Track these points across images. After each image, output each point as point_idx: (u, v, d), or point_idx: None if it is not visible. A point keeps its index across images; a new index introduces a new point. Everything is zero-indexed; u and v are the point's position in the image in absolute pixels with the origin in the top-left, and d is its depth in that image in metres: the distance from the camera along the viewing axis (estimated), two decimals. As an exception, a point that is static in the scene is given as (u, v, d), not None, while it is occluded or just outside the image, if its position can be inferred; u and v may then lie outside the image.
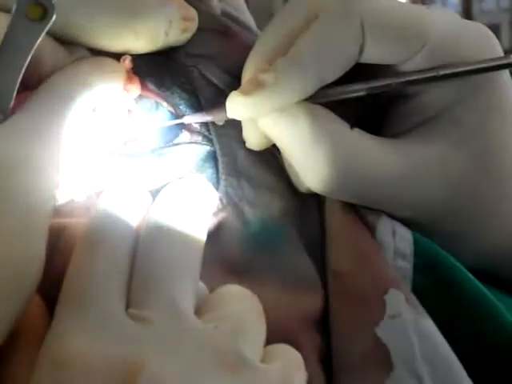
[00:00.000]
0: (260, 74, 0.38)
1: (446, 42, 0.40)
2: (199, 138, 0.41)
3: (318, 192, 0.40)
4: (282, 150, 0.40)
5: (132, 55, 0.40)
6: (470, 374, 0.36)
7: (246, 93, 0.38)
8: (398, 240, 0.40)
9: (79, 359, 0.30)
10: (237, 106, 0.39)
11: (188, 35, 0.41)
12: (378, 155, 0.39)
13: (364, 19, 0.38)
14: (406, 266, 0.40)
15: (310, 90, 0.38)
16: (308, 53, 0.38)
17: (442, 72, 0.40)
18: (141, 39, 0.39)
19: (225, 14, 0.45)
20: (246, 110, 0.38)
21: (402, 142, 0.41)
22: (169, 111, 0.41)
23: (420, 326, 0.37)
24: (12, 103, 0.35)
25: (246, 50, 0.41)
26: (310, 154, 0.39)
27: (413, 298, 0.38)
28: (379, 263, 0.39)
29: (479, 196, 0.41)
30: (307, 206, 0.42)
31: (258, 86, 0.38)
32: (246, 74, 0.40)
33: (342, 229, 0.40)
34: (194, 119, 0.41)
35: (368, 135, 0.40)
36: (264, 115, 0.39)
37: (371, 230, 0.40)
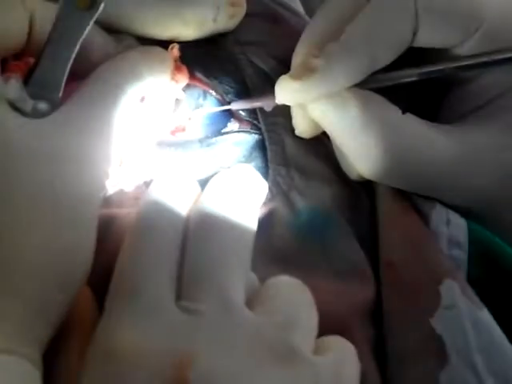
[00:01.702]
0: (311, 59, 0.38)
1: (502, 25, 0.39)
2: (248, 127, 0.41)
3: (370, 178, 0.39)
4: (332, 137, 0.40)
5: (180, 44, 0.40)
6: None
7: (296, 77, 0.37)
8: (452, 228, 0.39)
9: (130, 352, 0.30)
10: (286, 91, 0.38)
11: (236, 21, 0.41)
12: (430, 140, 0.38)
13: (417, 2, 0.37)
14: (461, 255, 0.39)
15: (362, 75, 0.38)
16: (360, 38, 0.37)
17: (495, 57, 0.38)
18: (189, 26, 0.39)
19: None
20: (295, 95, 0.38)
21: (455, 127, 0.40)
22: (217, 100, 0.41)
23: (475, 317, 0.36)
24: (61, 93, 0.35)
25: (295, 35, 0.40)
26: (361, 140, 0.38)
27: (468, 288, 0.37)
28: (433, 253, 0.38)
29: None
30: (358, 194, 0.42)
31: (308, 70, 0.37)
32: (296, 59, 0.39)
33: (395, 217, 0.39)
34: (242, 105, 0.40)
35: (420, 120, 0.39)
36: (314, 101, 0.38)
37: (425, 218, 0.39)
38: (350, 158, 0.39)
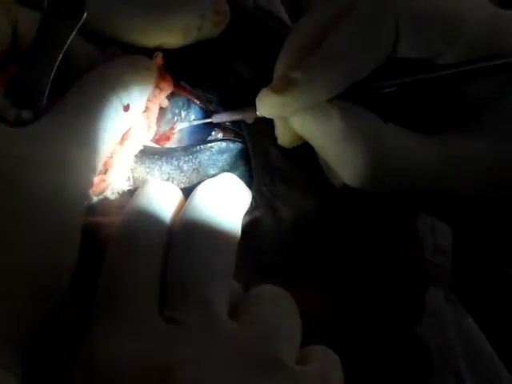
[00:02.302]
0: (291, 71, 0.38)
1: (483, 34, 0.39)
2: (231, 136, 0.41)
3: (354, 186, 0.39)
4: (315, 148, 0.40)
5: (164, 52, 0.40)
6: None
7: (277, 90, 0.37)
8: (437, 236, 0.39)
9: (113, 361, 0.30)
10: (267, 104, 0.38)
11: (221, 29, 0.41)
12: (413, 149, 0.38)
13: (398, 12, 0.37)
14: (446, 261, 0.39)
15: (342, 86, 0.38)
16: (340, 49, 0.37)
17: (476, 66, 0.38)
18: (173, 34, 0.39)
19: (258, 7, 0.44)
20: (276, 108, 0.38)
21: (439, 135, 0.40)
22: (201, 108, 0.41)
23: (460, 324, 0.36)
24: (45, 101, 0.35)
25: (279, 43, 0.40)
26: (344, 150, 0.38)
27: (452, 295, 0.37)
28: (418, 261, 0.38)
29: None
30: (343, 202, 0.42)
31: (289, 83, 0.37)
32: (278, 71, 0.39)
33: (379, 226, 0.39)
34: (224, 118, 0.40)
35: (403, 129, 0.39)
36: (295, 113, 0.38)
37: (410, 226, 0.39)
38: (333, 167, 0.39)
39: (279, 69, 0.39)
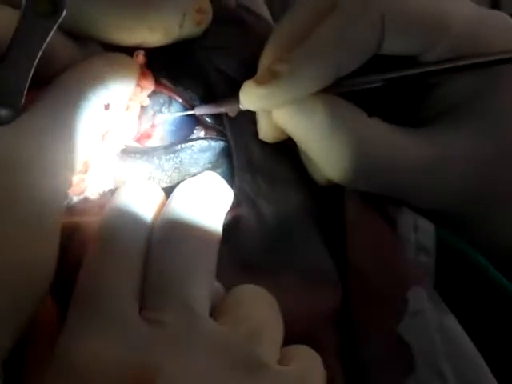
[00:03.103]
0: (275, 64, 0.37)
1: (467, 33, 0.39)
2: (214, 134, 0.41)
3: (339, 182, 0.39)
4: (298, 143, 0.39)
5: (145, 50, 0.39)
6: (494, 371, 0.35)
7: (261, 83, 0.37)
8: (420, 234, 0.39)
9: (92, 365, 0.30)
10: (250, 97, 0.38)
11: (203, 27, 0.41)
12: (397, 143, 0.38)
13: (384, 9, 0.37)
14: (429, 261, 0.39)
15: (327, 81, 0.38)
16: (325, 43, 0.37)
17: (459, 63, 0.39)
18: (155, 32, 0.39)
19: (239, 4, 0.44)
20: (259, 100, 0.38)
21: (423, 131, 0.40)
22: (182, 106, 0.41)
23: (442, 323, 0.36)
24: (23, 100, 0.34)
25: (260, 41, 0.40)
26: (328, 145, 0.38)
27: (435, 294, 0.37)
28: (400, 259, 0.38)
29: (507, 185, 0.40)
30: (325, 200, 0.41)
31: (273, 76, 0.37)
32: (262, 64, 0.39)
33: (362, 223, 0.39)
34: (206, 110, 0.40)
35: (387, 124, 0.39)
36: (279, 107, 0.38)
37: (392, 224, 0.39)
38: (317, 163, 0.39)
39: (264, 62, 0.39)
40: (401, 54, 0.39)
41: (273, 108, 0.38)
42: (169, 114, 0.40)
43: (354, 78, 0.39)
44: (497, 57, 0.39)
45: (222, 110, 0.40)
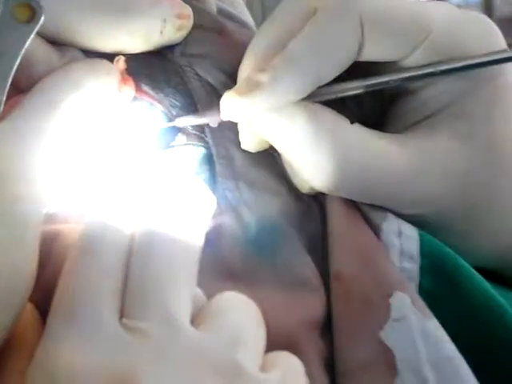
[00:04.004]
0: (255, 74, 0.37)
1: (448, 37, 0.39)
2: (195, 140, 0.40)
3: (322, 190, 0.39)
4: (280, 152, 0.39)
5: (126, 56, 0.39)
6: (478, 376, 0.35)
7: (241, 93, 0.37)
8: (403, 240, 0.39)
9: (71, 372, 0.30)
10: (231, 108, 0.38)
11: (183, 33, 0.41)
12: (380, 149, 0.38)
13: (363, 16, 0.37)
14: (413, 267, 0.39)
15: (307, 89, 0.38)
16: (305, 51, 0.37)
17: (440, 68, 0.39)
18: (135, 39, 0.38)
19: (221, 11, 0.44)
20: (240, 110, 0.37)
21: (405, 136, 0.40)
22: (163, 113, 0.40)
23: (426, 329, 0.36)
24: (1, 108, 0.34)
25: (242, 48, 0.40)
26: (310, 153, 0.38)
27: (419, 300, 0.37)
28: (384, 265, 0.38)
29: (489, 191, 0.40)
30: (308, 207, 0.41)
31: (253, 86, 0.37)
32: (242, 73, 0.39)
33: (345, 230, 0.39)
34: (187, 122, 0.40)
35: (369, 130, 0.39)
36: (259, 117, 0.38)
37: (376, 230, 0.39)
38: (300, 171, 0.39)
39: (243, 71, 0.39)
40: (381, 59, 0.39)
41: (254, 118, 0.38)
42: (150, 126, 0.40)
43: (334, 85, 0.39)
44: (477, 60, 0.39)
45: (203, 120, 0.40)
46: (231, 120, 0.39)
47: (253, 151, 0.41)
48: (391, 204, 0.40)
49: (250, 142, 0.40)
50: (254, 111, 0.37)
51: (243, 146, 0.40)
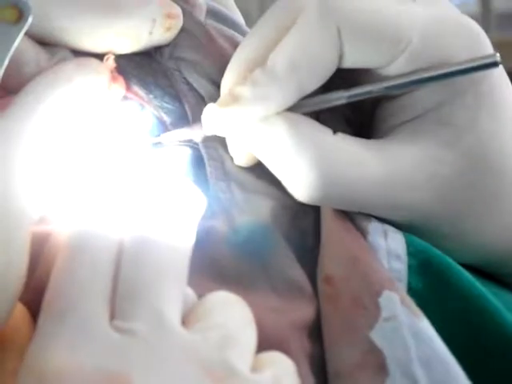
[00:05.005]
0: (236, 87, 0.37)
1: (430, 43, 0.39)
2: (186, 141, 0.41)
3: (304, 201, 0.39)
4: (263, 162, 0.39)
5: (115, 55, 0.39)
6: (469, 374, 0.35)
7: (223, 106, 0.37)
8: (390, 241, 0.39)
9: (62, 373, 0.29)
10: (212, 121, 0.38)
11: (173, 33, 0.41)
12: (362, 159, 0.38)
13: (341, 25, 0.37)
14: (401, 267, 0.39)
15: (288, 102, 0.38)
16: (284, 64, 0.37)
17: (423, 75, 0.39)
18: (123, 39, 0.38)
19: (211, 11, 0.44)
20: (221, 124, 0.38)
21: (388, 144, 0.40)
22: (153, 114, 0.40)
23: (416, 328, 0.36)
24: None
25: (226, 57, 0.40)
26: (291, 163, 0.38)
27: (408, 299, 0.37)
28: (372, 266, 0.38)
29: (473, 193, 0.40)
30: (301, 209, 0.41)
31: (234, 99, 0.37)
32: (225, 86, 0.39)
33: (334, 233, 0.39)
34: (171, 138, 0.40)
35: (352, 139, 0.39)
36: (241, 130, 0.38)
37: (362, 232, 0.39)
38: (282, 182, 0.39)
39: (226, 84, 0.39)
40: (362, 66, 0.39)
41: (236, 131, 0.38)
42: (137, 140, 0.40)
43: (316, 96, 0.39)
44: (461, 67, 0.38)
45: (187, 136, 0.40)
46: (212, 134, 0.39)
47: (244, 166, 0.41)
48: (374, 211, 0.40)
49: (241, 157, 0.40)
50: (234, 124, 0.38)
51: (236, 162, 0.41)
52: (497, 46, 0.40)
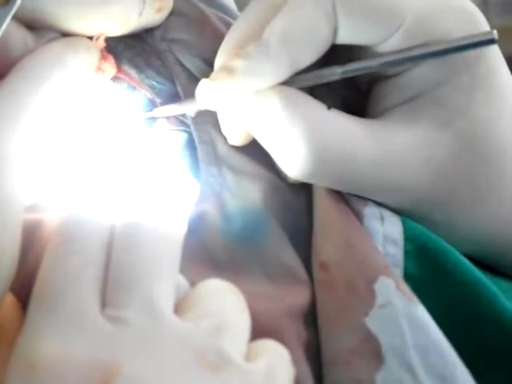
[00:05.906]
0: (230, 61, 0.37)
1: (425, 21, 0.38)
2: (176, 125, 0.40)
3: (296, 178, 0.38)
4: (255, 137, 0.39)
5: (106, 37, 0.39)
6: (465, 361, 0.35)
7: (216, 80, 0.37)
8: (386, 226, 0.39)
9: (53, 362, 0.29)
10: (206, 95, 0.37)
11: (163, 15, 0.40)
12: (355, 136, 0.38)
13: (336, 0, 0.37)
14: (397, 252, 0.39)
15: (282, 76, 0.37)
16: (278, 38, 0.37)
17: (417, 52, 0.38)
18: (113, 21, 0.38)
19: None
20: (214, 98, 0.37)
21: (383, 124, 0.39)
22: (144, 95, 0.40)
23: (411, 314, 0.35)
24: None
25: (220, 36, 0.39)
26: (284, 136, 0.37)
27: (404, 284, 0.37)
28: (368, 251, 0.37)
29: (467, 179, 0.39)
30: (294, 193, 0.41)
31: (228, 72, 0.37)
32: (218, 61, 0.39)
33: (329, 217, 0.39)
34: (165, 112, 0.40)
35: (347, 115, 0.39)
36: (235, 104, 0.38)
37: (358, 215, 0.39)
38: (275, 157, 0.38)
39: (219, 59, 0.39)
40: (357, 43, 0.38)
41: (229, 105, 0.38)
42: (129, 114, 0.40)
43: (311, 71, 0.38)
44: (457, 43, 0.38)
45: (180, 110, 0.40)
46: (208, 108, 0.38)
47: (238, 145, 0.40)
48: (368, 193, 0.39)
49: (234, 135, 0.40)
50: (228, 98, 0.37)
51: (230, 142, 0.40)
52: (497, 31, 0.39)
